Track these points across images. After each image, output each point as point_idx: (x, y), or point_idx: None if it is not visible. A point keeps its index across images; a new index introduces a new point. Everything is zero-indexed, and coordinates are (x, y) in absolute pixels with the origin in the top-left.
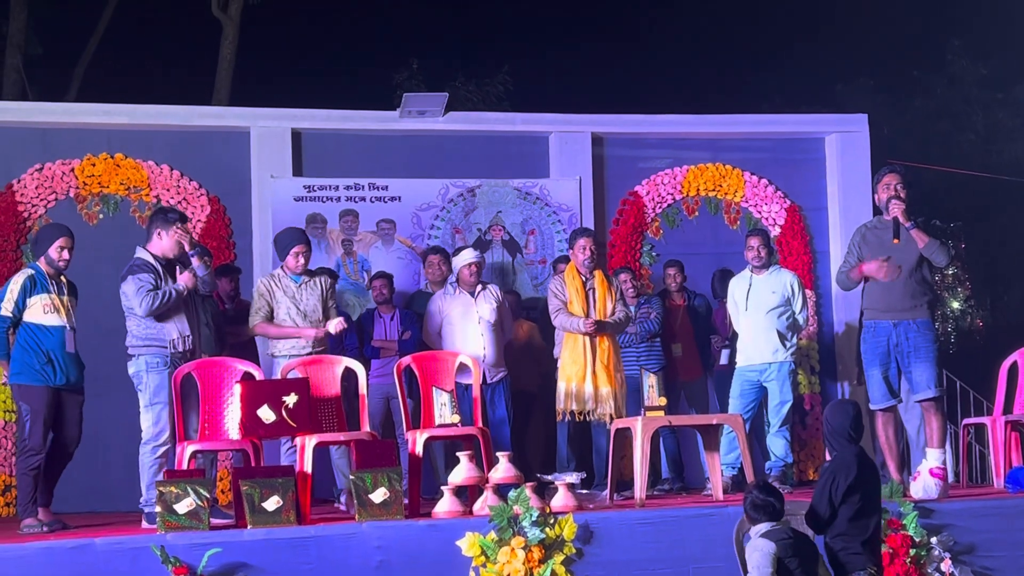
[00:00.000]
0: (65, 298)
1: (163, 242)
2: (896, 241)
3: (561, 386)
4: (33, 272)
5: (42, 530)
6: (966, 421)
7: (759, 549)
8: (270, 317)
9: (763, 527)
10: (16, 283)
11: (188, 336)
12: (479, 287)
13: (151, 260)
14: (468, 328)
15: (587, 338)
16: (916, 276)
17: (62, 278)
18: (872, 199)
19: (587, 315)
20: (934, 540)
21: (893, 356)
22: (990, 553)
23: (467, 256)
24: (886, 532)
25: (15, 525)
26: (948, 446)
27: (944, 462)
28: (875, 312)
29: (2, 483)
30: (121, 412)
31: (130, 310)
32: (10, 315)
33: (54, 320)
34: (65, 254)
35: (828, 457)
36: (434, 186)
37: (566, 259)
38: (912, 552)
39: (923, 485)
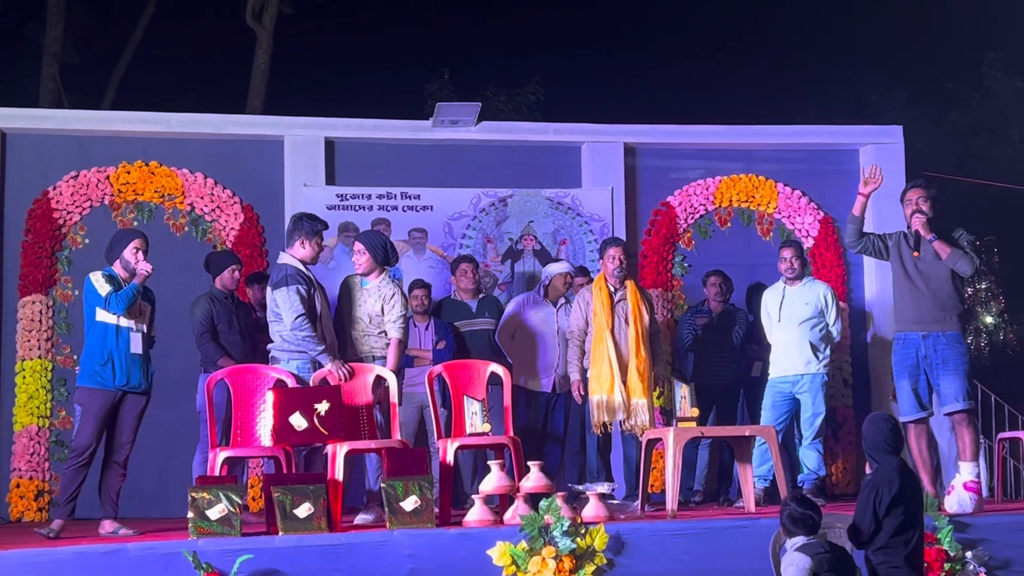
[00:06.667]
0: (137, 302)
1: (305, 250)
2: (916, 254)
3: (592, 398)
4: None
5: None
6: (1001, 435)
7: (794, 564)
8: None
9: (799, 540)
10: (97, 276)
11: (335, 343)
12: (562, 299)
13: (302, 268)
14: (546, 337)
15: (612, 348)
16: (946, 288)
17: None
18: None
19: (612, 328)
20: (969, 554)
21: (922, 368)
22: None
23: (562, 266)
24: None
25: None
26: (983, 460)
27: (978, 476)
28: (904, 324)
29: (35, 488)
30: (155, 416)
31: (278, 316)
32: (113, 288)
33: (122, 321)
34: (140, 256)
35: (868, 471)
36: (466, 195)
37: (583, 271)
38: (947, 566)
39: (958, 499)
